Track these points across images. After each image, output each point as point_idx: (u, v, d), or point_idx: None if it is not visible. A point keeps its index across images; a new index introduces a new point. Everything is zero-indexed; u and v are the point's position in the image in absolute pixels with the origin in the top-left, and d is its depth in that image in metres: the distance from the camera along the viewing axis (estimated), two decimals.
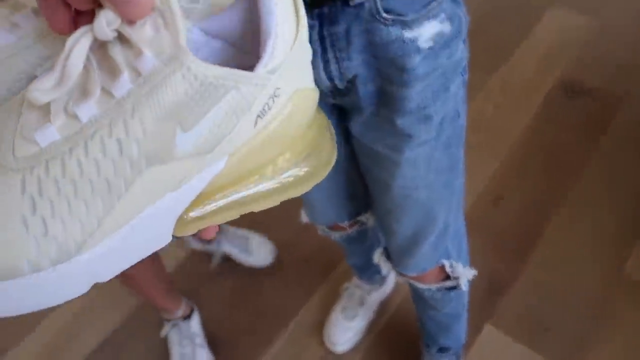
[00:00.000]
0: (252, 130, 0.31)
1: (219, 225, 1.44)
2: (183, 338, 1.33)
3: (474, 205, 1.48)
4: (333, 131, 0.39)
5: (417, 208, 0.77)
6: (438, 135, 0.67)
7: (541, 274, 1.36)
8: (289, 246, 1.50)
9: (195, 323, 1.35)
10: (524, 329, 1.29)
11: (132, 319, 1.44)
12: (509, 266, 1.39)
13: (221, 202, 0.33)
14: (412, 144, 0.66)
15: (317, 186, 0.91)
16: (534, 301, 1.33)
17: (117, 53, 0.27)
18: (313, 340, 1.35)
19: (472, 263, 0.96)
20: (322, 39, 0.58)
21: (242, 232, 1.50)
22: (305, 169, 0.36)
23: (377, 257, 0.99)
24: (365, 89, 0.62)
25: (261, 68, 0.29)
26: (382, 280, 1.33)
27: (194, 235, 0.33)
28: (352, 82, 0.62)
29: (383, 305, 1.38)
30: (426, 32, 0.57)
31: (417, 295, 1.05)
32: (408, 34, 0.56)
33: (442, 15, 0.57)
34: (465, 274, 0.92)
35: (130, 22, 0.26)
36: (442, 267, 0.91)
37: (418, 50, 0.57)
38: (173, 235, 0.33)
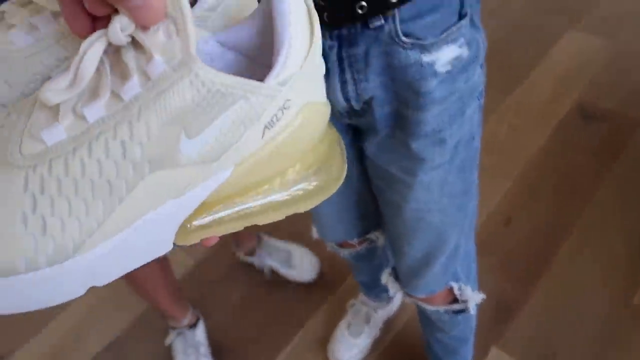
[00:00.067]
0: (260, 141, 0.31)
1: (260, 238, 1.44)
2: (188, 347, 1.32)
3: (484, 225, 1.47)
4: (344, 147, 0.39)
5: (429, 231, 0.77)
6: (452, 158, 0.67)
7: (550, 297, 1.35)
8: None
9: (200, 332, 1.35)
10: (531, 353, 1.27)
11: (137, 325, 1.44)
12: (517, 288, 1.37)
13: (226, 213, 0.33)
14: (426, 167, 0.66)
15: (327, 203, 0.91)
16: (542, 325, 1.31)
17: (130, 58, 0.27)
18: (317, 356, 1.34)
19: (481, 283, 0.95)
20: (340, 59, 0.58)
21: (284, 244, 1.47)
22: (315, 183, 0.35)
23: (385, 277, 0.98)
24: (382, 111, 0.62)
25: (272, 79, 0.29)
26: (389, 298, 1.32)
27: (196, 244, 0.33)
28: (368, 104, 0.62)
29: (389, 323, 1.36)
30: (444, 56, 0.57)
31: (424, 317, 1.04)
32: (426, 58, 0.56)
33: (461, 40, 0.57)
34: (473, 298, 0.91)
35: (144, 27, 0.26)
36: (451, 290, 0.90)
37: (435, 74, 0.57)
38: (174, 244, 0.32)
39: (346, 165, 0.39)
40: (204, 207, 0.32)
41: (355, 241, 0.97)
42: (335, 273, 1.45)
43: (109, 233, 0.28)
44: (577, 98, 1.74)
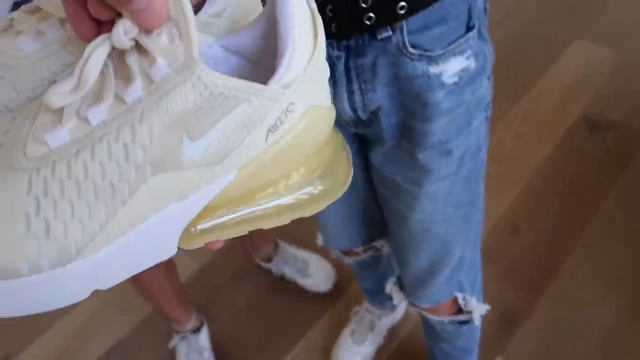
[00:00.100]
0: (263, 144, 0.31)
1: (277, 245, 1.45)
2: (191, 351, 1.32)
3: (489, 234, 1.46)
4: (350, 151, 0.39)
5: (435, 241, 0.76)
6: (458, 169, 0.67)
7: (555, 308, 1.34)
8: None
9: (204, 337, 1.35)
10: None
11: (141, 328, 1.44)
12: (522, 298, 1.36)
13: (230, 216, 0.33)
14: (431, 178, 0.66)
15: (333, 212, 0.91)
16: (546, 336, 1.30)
17: (134, 61, 0.27)
18: None
19: (485, 293, 0.94)
20: (347, 70, 0.58)
21: (302, 253, 1.46)
22: (321, 187, 0.35)
23: (390, 287, 0.98)
24: (388, 121, 0.62)
25: (275, 82, 0.29)
26: (393, 306, 1.31)
27: (200, 248, 0.33)
28: (375, 114, 0.62)
29: (393, 331, 1.36)
30: (451, 68, 0.57)
31: (428, 327, 1.04)
32: (433, 69, 0.56)
33: (469, 52, 0.57)
34: (478, 309, 0.91)
35: (147, 31, 0.26)
36: (455, 300, 0.90)
37: (442, 85, 0.57)
38: (179, 247, 0.32)
39: (352, 170, 0.38)
40: (207, 211, 0.32)
41: (360, 249, 0.97)
42: (340, 280, 1.45)
43: (111, 236, 0.28)
44: (583, 107, 1.73)
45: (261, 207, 0.34)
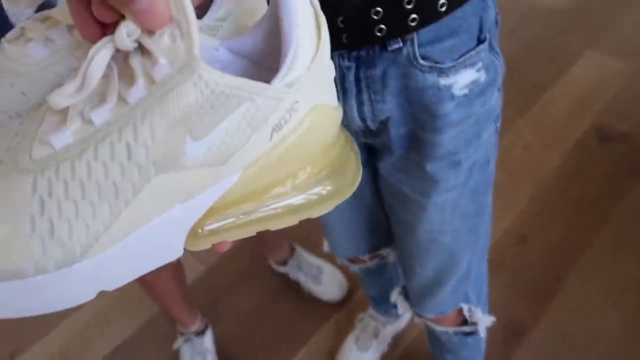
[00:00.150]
0: (268, 144, 0.31)
1: (294, 249, 1.44)
2: (195, 354, 1.32)
3: (496, 244, 1.46)
4: (358, 151, 0.39)
5: (442, 252, 0.76)
6: (466, 181, 0.66)
7: (562, 320, 1.32)
8: None
9: (208, 339, 1.35)
10: None
11: (145, 329, 1.45)
12: (528, 309, 1.35)
13: (236, 217, 0.33)
14: (440, 189, 0.66)
15: (339, 219, 0.91)
16: (552, 347, 1.28)
17: (137, 63, 0.27)
18: None
19: (491, 304, 0.94)
20: (357, 80, 0.58)
21: (317, 260, 1.46)
22: (329, 188, 0.35)
23: (395, 296, 0.98)
24: (397, 132, 0.62)
25: (278, 81, 0.29)
26: (398, 314, 1.31)
27: (206, 249, 0.33)
28: (384, 124, 0.62)
29: (397, 338, 1.35)
30: (462, 80, 0.57)
31: (433, 338, 1.03)
32: (444, 81, 0.56)
33: (480, 64, 0.57)
34: (483, 321, 0.90)
35: (150, 32, 0.27)
36: (461, 311, 0.89)
37: (452, 97, 0.57)
38: (185, 249, 0.32)
39: (361, 170, 0.38)
40: (214, 212, 0.32)
41: (366, 257, 0.97)
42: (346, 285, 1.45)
43: (116, 237, 0.28)
44: (593, 119, 1.72)
45: (269, 207, 0.33)
